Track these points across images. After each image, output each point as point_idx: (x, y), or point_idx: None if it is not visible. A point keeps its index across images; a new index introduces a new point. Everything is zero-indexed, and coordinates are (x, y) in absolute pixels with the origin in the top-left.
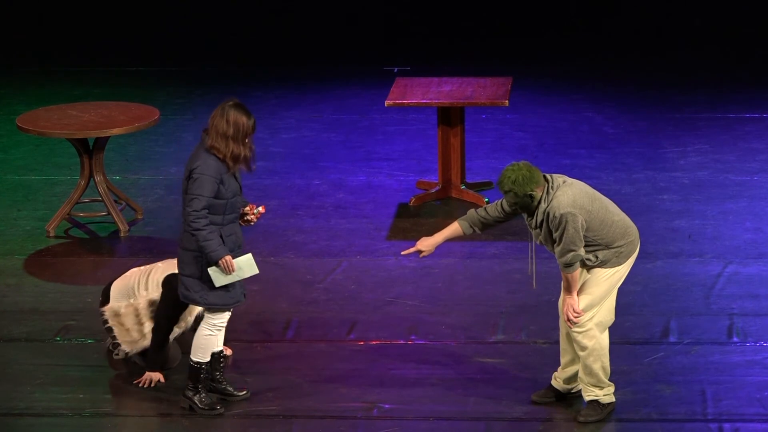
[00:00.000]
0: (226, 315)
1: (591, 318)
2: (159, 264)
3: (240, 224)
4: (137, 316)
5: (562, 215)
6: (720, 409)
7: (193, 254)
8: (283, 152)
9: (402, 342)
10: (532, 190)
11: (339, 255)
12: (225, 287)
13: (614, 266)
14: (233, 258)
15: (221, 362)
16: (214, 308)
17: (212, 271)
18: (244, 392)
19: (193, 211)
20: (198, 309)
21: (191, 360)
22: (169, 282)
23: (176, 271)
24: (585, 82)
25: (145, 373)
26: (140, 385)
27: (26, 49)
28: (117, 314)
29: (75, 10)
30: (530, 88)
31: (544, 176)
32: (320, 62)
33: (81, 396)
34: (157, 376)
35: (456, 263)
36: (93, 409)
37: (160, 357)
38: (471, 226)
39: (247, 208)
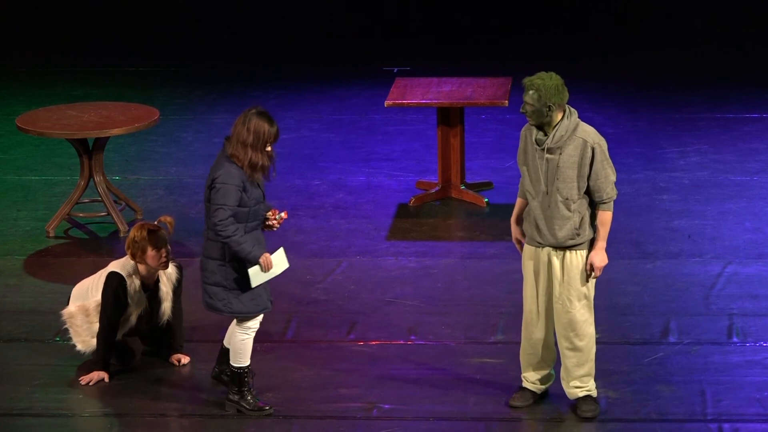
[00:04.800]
0: (259, 318)
1: (588, 305)
2: (113, 263)
3: (262, 230)
4: (87, 315)
5: (599, 143)
6: (720, 409)
7: (216, 263)
8: (282, 152)
9: (402, 342)
10: (554, 104)
11: (339, 255)
12: (250, 294)
13: (588, 246)
14: None
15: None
16: (239, 316)
17: (252, 271)
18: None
19: (219, 221)
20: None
21: (232, 366)
22: (108, 279)
23: (115, 269)
24: (585, 82)
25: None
26: (84, 383)
27: (26, 49)
28: (71, 315)
29: (75, 10)
30: None
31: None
32: (320, 62)
33: (81, 396)
34: (101, 375)
35: (456, 263)
36: (93, 409)
37: (106, 355)
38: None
39: (269, 213)
